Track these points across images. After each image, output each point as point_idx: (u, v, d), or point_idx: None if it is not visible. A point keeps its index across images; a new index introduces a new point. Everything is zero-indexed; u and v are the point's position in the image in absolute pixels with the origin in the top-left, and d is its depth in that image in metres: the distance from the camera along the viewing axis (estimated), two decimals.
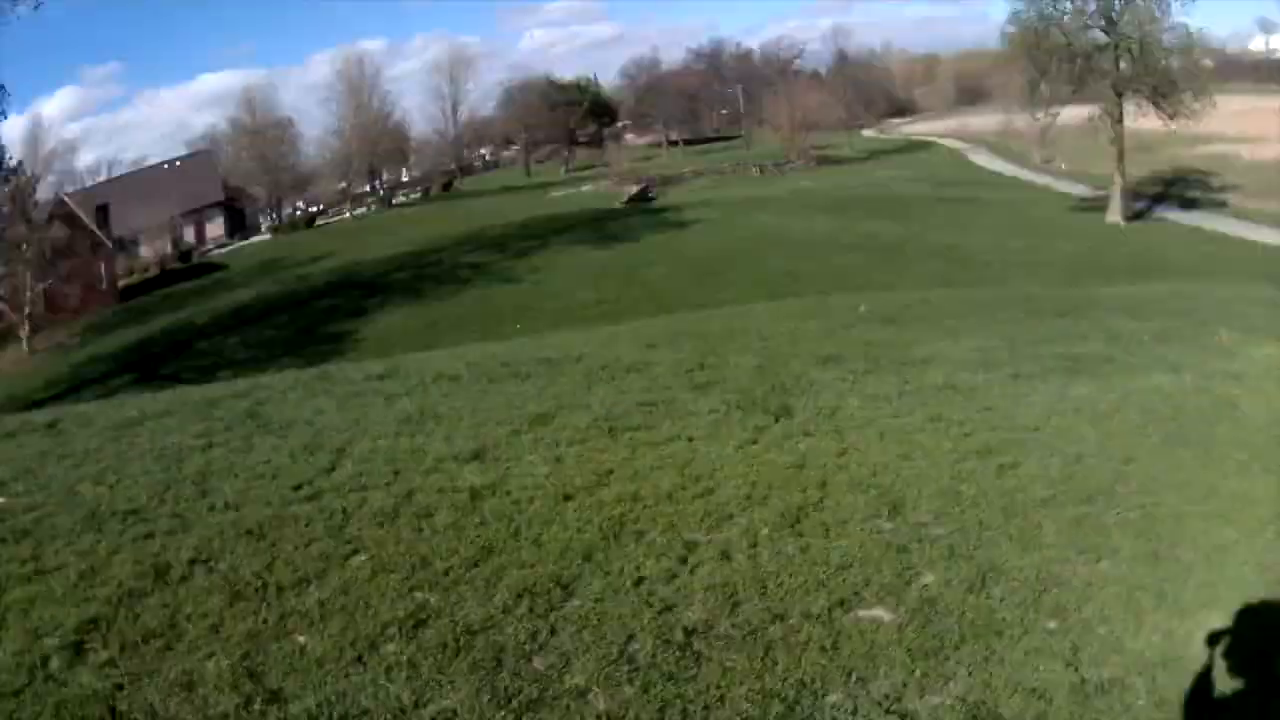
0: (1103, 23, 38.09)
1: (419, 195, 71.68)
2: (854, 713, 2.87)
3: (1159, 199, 44.37)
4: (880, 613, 3.43)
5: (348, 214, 64.50)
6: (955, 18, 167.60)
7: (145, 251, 55.59)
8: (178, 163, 65.68)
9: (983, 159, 66.53)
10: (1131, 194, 41.31)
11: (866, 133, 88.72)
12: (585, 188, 64.75)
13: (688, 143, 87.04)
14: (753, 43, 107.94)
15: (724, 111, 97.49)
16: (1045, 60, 38.80)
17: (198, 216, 60.95)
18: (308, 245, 48.39)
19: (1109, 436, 5.35)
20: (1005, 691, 2.95)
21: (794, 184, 58.19)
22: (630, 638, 3.32)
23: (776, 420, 5.90)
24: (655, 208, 50.63)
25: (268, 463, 5.43)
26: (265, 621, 3.52)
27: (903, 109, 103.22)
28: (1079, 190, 47.31)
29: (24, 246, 29.85)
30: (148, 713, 3.05)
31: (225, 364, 27.57)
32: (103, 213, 48.35)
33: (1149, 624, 3.29)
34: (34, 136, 49.98)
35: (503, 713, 2.94)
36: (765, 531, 4.14)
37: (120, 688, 3.17)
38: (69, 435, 6.59)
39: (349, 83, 69.61)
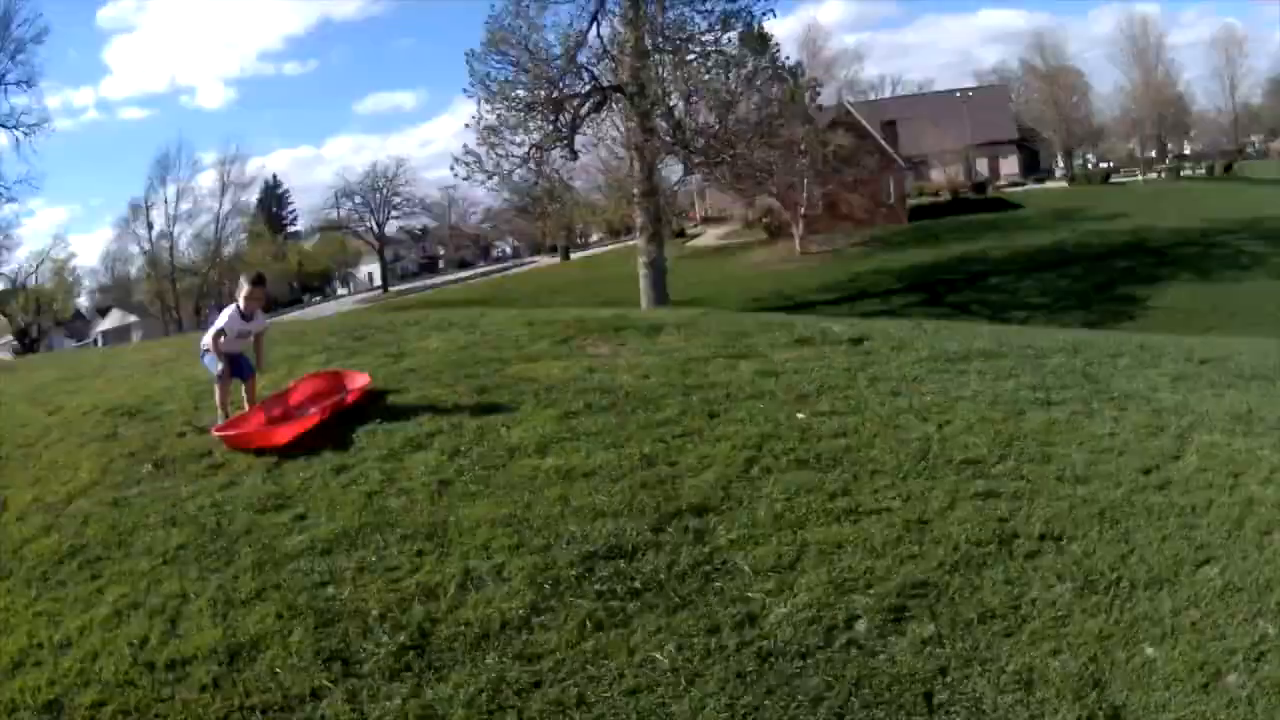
0: None
1: (1204, 171, 66.90)
2: None
3: None
4: None
5: (1139, 177, 61.48)
6: None
7: (936, 175, 58.38)
8: (970, 93, 66.90)
9: None
10: None
11: None
12: None
13: None
14: None
15: None
16: None
17: (991, 150, 63.15)
18: (1102, 200, 47.25)
19: None
20: None
21: None
22: None
23: None
24: None
25: (1112, 435, 5.13)
26: (1116, 623, 3.25)
27: None
28: None
29: (802, 148, 29.04)
30: (971, 708, 2.77)
31: (1017, 305, 28.59)
32: (890, 129, 49.82)
33: None
34: (810, 40, 53.69)
35: None
36: None
37: (943, 672, 2.94)
38: (878, 356, 6.58)
39: (1133, 44, 69.37)
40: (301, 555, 4.19)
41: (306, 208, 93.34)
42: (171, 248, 56.72)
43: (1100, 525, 3.82)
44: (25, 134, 40.88)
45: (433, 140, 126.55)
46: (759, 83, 22.50)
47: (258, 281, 6.44)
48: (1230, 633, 3.11)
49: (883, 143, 46.40)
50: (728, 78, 22.22)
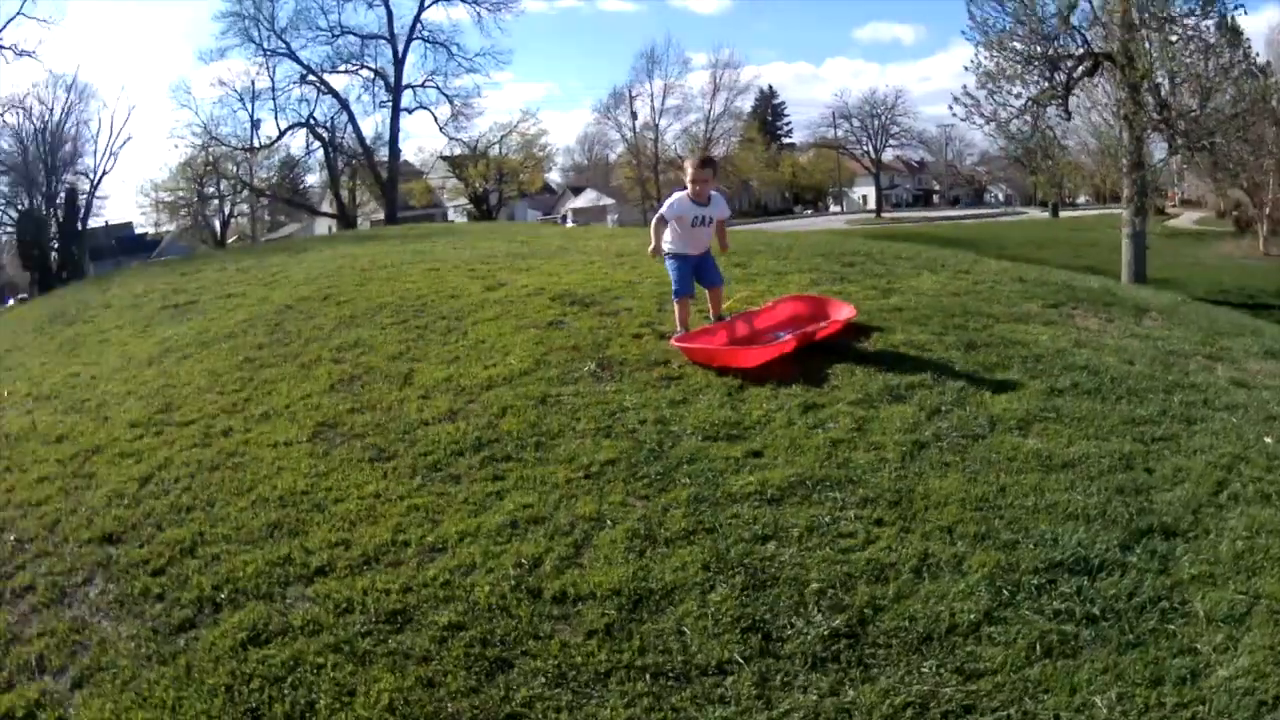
0: None
1: None
2: None
3: None
4: None
5: None
6: None
7: None
8: None
9: None
10: None
11: None
12: None
13: None
14: None
15: None
16: None
17: None
18: None
19: None
20: None
21: None
22: None
23: None
24: None
25: None
26: None
27: None
28: None
29: (1271, 149, 31.12)
30: None
31: None
32: None
33: None
34: (1276, 41, 51.39)
35: None
36: None
37: None
38: None
39: None
40: (747, 499, 4.02)
41: (802, 122, 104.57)
42: (656, 139, 63.52)
43: None
44: (489, 10, 48.23)
45: (930, 77, 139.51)
46: (1234, 74, 24.38)
47: (705, 163, 6.29)
48: None
49: None
50: (1206, 64, 24.24)
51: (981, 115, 26.31)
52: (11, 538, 4.52)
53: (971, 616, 3.28)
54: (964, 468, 4.30)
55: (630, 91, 65.04)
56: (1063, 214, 63.18)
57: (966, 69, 26.29)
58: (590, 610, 3.37)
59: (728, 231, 6.64)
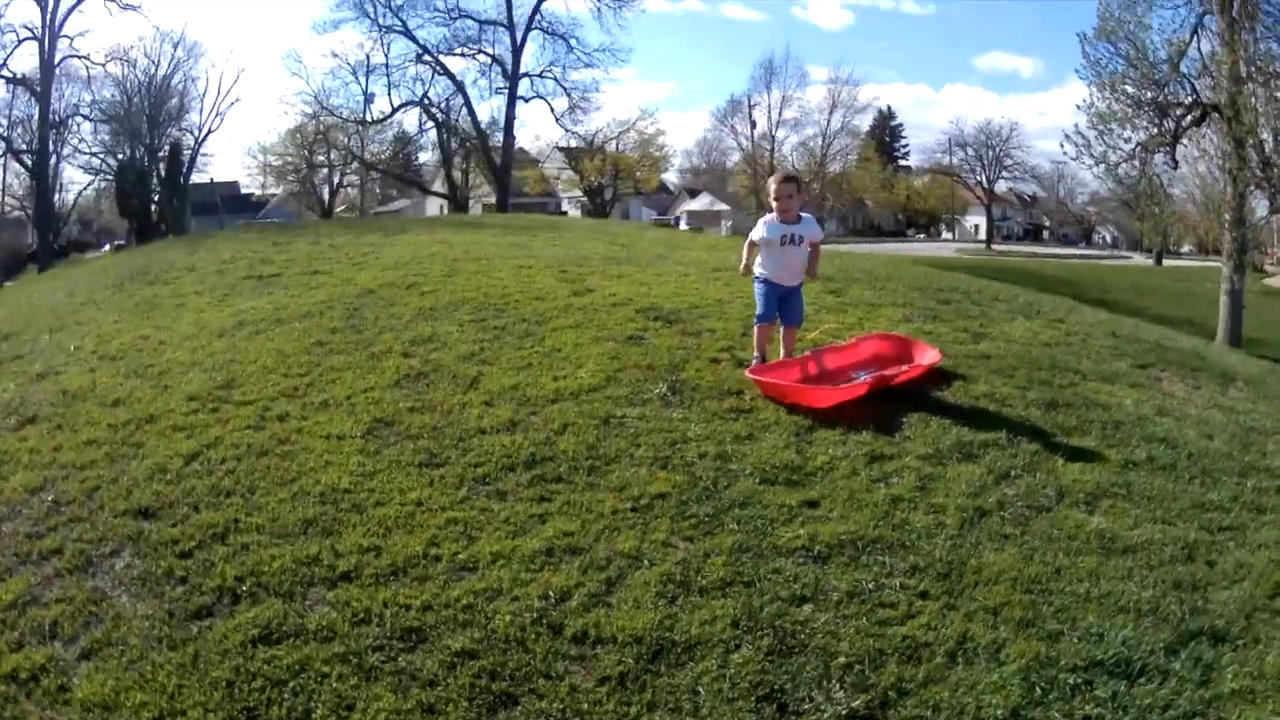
0: None
1: None
2: None
3: None
4: None
5: None
6: None
7: None
8: None
9: None
10: None
11: None
12: None
13: None
14: None
15: None
16: None
17: None
18: None
19: None
20: None
21: None
22: None
23: None
24: None
25: None
26: None
27: None
28: None
29: None
30: None
31: None
32: None
33: None
34: None
35: None
36: None
37: None
38: None
39: None
40: (792, 553, 4.02)
41: (918, 146, 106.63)
42: (772, 150, 64.13)
43: None
44: (609, 6, 49.10)
45: (1045, 112, 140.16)
46: None
47: (788, 179, 6.34)
48: None
49: None
50: None
51: (1091, 155, 27.29)
52: (49, 498, 4.75)
53: (999, 713, 3.23)
54: (1022, 542, 4.28)
55: (749, 100, 65.92)
56: (1166, 262, 64.40)
57: (1079, 108, 27.51)
58: (608, 655, 3.39)
59: (820, 258, 6.59)
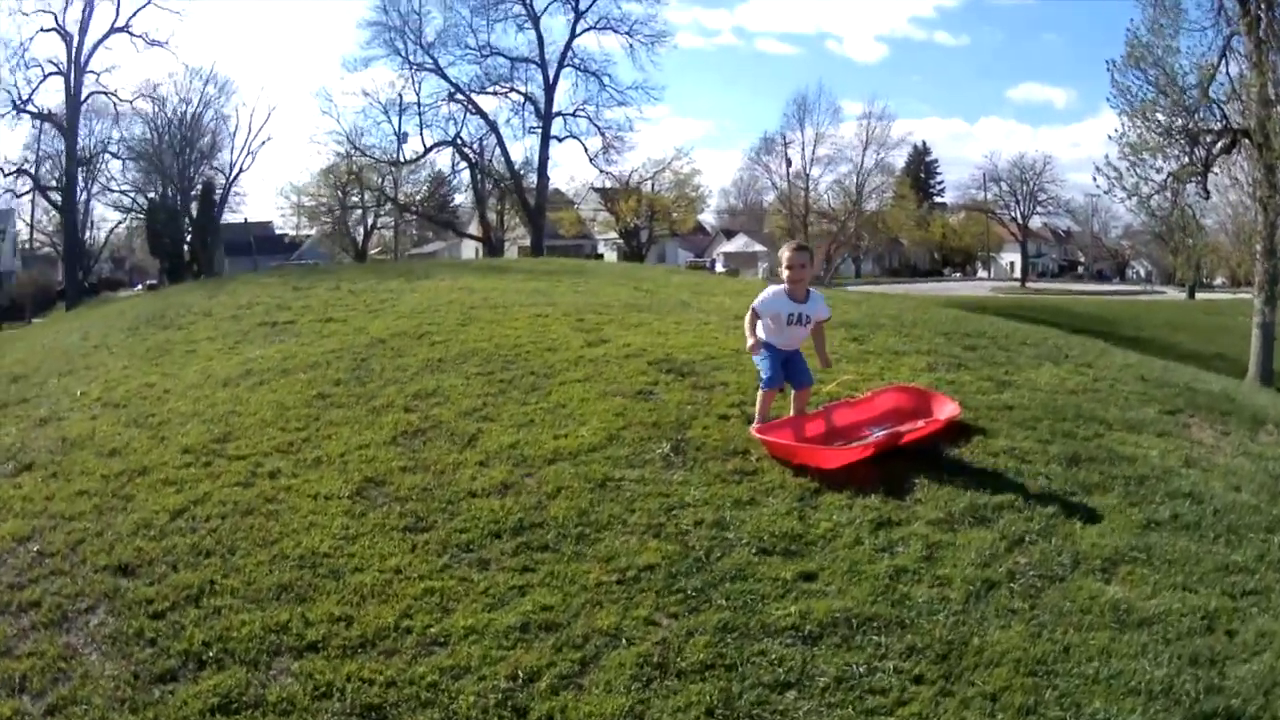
0: None
1: None
2: None
3: None
4: None
5: None
6: None
7: None
8: None
9: None
10: None
11: None
12: None
13: None
14: None
15: None
16: None
17: None
18: None
19: None
20: None
21: None
22: None
23: None
24: None
25: None
26: None
27: None
28: None
29: None
30: None
31: None
32: None
33: None
34: None
35: None
36: None
37: None
38: None
39: None
40: (781, 634, 3.92)
41: (954, 182, 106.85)
42: (806, 189, 64.61)
43: None
44: (641, 43, 49.59)
45: (1079, 143, 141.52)
46: None
47: (801, 248, 6.18)
48: None
49: None
50: None
51: (1124, 188, 27.49)
52: (35, 548, 4.79)
53: None
54: (1031, 617, 4.16)
55: (784, 137, 66.66)
56: (1198, 295, 64.63)
57: (1110, 138, 27.60)
58: None
59: (826, 339, 6.51)
